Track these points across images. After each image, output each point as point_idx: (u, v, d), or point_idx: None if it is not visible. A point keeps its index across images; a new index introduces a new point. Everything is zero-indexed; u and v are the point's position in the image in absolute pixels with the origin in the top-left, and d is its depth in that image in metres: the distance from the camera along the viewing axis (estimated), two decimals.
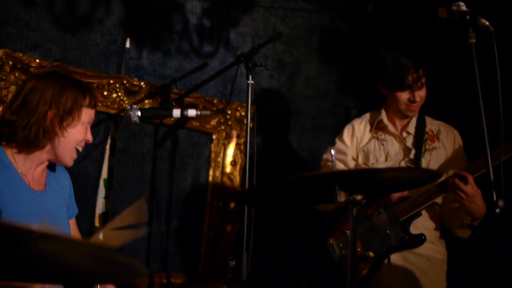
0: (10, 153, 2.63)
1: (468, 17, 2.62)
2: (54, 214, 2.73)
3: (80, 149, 2.77)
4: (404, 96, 3.50)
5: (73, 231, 2.96)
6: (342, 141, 3.78)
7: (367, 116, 3.82)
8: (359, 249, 3.44)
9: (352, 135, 3.75)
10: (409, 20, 4.67)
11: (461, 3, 2.67)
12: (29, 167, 2.67)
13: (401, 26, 4.74)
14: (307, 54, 5.00)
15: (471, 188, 3.16)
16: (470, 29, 2.61)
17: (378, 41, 4.87)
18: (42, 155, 2.68)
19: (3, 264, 1.37)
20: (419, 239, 3.34)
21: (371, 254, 3.41)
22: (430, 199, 3.33)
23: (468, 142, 3.58)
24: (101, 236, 2.73)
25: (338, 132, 3.90)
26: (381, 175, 2.45)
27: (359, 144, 3.72)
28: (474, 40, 2.60)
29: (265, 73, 4.67)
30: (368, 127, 3.75)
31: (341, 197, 2.27)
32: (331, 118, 5.13)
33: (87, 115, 2.73)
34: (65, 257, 1.40)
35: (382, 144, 3.63)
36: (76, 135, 2.69)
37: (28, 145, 2.61)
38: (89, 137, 2.77)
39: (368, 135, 3.72)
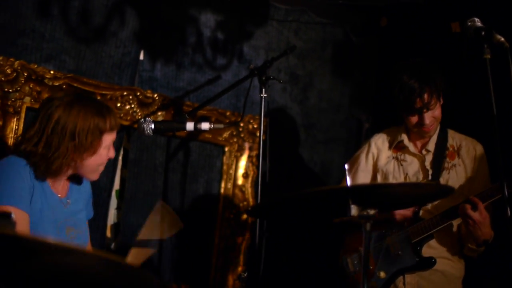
0: None
1: (483, 33, 2.61)
2: (76, 220, 2.89)
3: (103, 167, 2.90)
4: (413, 119, 3.42)
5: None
6: (356, 158, 3.77)
7: (385, 133, 3.75)
8: (371, 267, 3.43)
9: (368, 152, 3.72)
10: (423, 34, 4.66)
11: (476, 19, 2.67)
12: (55, 179, 2.81)
13: (414, 40, 4.73)
14: (320, 68, 5.00)
15: (478, 215, 3.14)
16: (485, 44, 2.60)
17: (391, 55, 4.89)
18: (66, 174, 2.85)
19: (18, 276, 1.38)
20: (429, 262, 3.32)
21: (382, 274, 3.40)
22: (442, 223, 3.31)
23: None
24: (130, 256, 2.83)
25: (350, 145, 3.87)
26: (394, 190, 2.44)
27: (376, 161, 3.68)
28: (489, 56, 2.59)
29: (278, 86, 4.67)
30: (387, 144, 3.69)
31: (354, 211, 2.26)
32: (343, 131, 5.12)
33: (108, 138, 2.83)
34: (78, 269, 1.41)
35: (402, 165, 3.58)
36: (98, 160, 2.83)
37: (46, 173, 2.73)
38: (111, 155, 2.90)
39: (386, 153, 3.66)
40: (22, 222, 2.58)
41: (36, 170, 2.69)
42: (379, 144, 3.72)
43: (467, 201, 3.20)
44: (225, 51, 4.43)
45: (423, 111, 3.37)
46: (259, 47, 4.62)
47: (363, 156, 3.73)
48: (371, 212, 2.28)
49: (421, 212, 3.44)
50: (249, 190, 4.51)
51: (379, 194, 2.31)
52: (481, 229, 3.18)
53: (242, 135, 4.45)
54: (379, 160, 3.68)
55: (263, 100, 3.41)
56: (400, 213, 3.38)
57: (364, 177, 3.69)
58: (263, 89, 3.43)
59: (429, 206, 3.43)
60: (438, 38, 4.49)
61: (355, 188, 2.40)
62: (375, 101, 5.18)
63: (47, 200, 2.74)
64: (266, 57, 4.50)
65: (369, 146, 3.74)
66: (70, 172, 2.83)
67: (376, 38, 5.22)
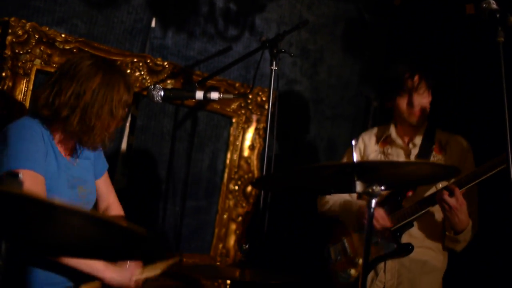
0: (52, 129, 2.79)
1: (498, 15, 2.60)
2: (84, 179, 2.93)
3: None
4: (403, 101, 3.49)
5: (107, 186, 3.20)
6: (346, 153, 3.90)
7: (374, 129, 3.84)
8: (352, 255, 3.55)
9: (355, 146, 3.75)
10: (435, 15, 4.63)
11: (491, 1, 2.65)
12: (64, 141, 2.84)
13: (426, 20, 4.71)
14: (331, 43, 4.99)
15: (455, 201, 3.16)
16: (499, 27, 2.59)
17: (402, 35, 4.87)
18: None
19: (31, 238, 1.40)
20: (406, 249, 3.32)
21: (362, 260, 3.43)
22: (420, 210, 3.33)
23: (490, 144, 3.52)
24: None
25: (357, 122, 3.89)
26: (401, 169, 2.45)
27: (363, 156, 3.75)
28: (502, 39, 2.58)
29: (288, 60, 4.66)
30: (374, 139, 3.76)
31: (359, 188, 2.26)
32: (351, 108, 5.13)
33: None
34: (87, 231, 1.42)
35: (387, 158, 3.62)
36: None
37: (90, 145, 2.81)
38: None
39: (373, 148, 3.73)
40: (38, 184, 2.60)
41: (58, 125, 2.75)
42: (366, 139, 3.80)
43: (444, 187, 3.22)
44: (237, 23, 4.41)
45: (412, 91, 3.44)
46: (271, 20, 4.60)
47: (351, 151, 3.77)
48: (377, 189, 2.28)
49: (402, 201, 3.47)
50: (254, 162, 4.52)
51: (385, 171, 2.32)
52: (457, 216, 3.20)
53: (250, 107, 4.45)
54: (365, 154, 3.75)
55: (273, 73, 3.41)
56: (380, 222, 3.38)
57: None
58: (274, 62, 3.43)
59: (409, 194, 3.45)
60: (452, 20, 4.46)
61: (362, 164, 2.40)
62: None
63: (58, 162, 2.76)
64: (278, 30, 4.49)
65: (357, 141, 3.81)
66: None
67: (388, 17, 5.19)
